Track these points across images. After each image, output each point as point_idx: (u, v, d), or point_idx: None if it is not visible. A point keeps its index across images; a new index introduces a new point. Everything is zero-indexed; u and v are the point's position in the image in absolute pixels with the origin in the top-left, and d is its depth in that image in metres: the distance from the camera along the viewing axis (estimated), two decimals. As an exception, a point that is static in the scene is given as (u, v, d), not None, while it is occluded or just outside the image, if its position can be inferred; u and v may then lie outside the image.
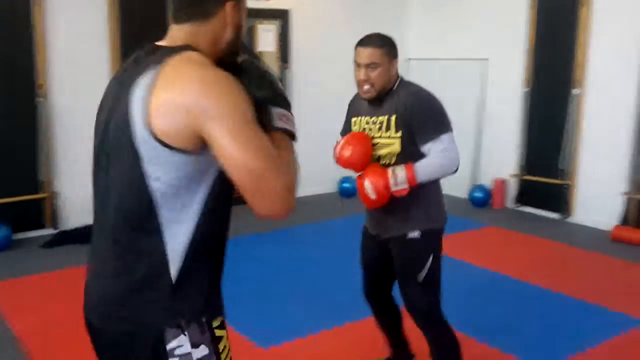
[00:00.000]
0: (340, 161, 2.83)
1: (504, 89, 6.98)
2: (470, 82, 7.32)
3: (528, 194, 6.78)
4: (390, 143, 2.80)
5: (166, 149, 1.43)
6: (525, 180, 6.76)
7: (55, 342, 3.73)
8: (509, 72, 6.87)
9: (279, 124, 1.57)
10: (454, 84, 7.49)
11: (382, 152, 2.81)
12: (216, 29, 1.58)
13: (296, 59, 7.26)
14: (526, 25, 6.63)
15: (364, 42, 2.84)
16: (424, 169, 2.70)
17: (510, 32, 6.81)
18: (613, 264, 5.12)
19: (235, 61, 1.66)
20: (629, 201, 5.83)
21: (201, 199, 1.51)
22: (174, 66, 1.45)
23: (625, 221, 5.84)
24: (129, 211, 1.53)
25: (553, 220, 6.46)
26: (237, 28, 1.62)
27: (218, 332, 1.60)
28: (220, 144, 1.40)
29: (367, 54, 2.80)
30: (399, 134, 2.76)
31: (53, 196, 5.85)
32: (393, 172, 2.70)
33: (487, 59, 7.15)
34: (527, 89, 6.67)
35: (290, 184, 1.47)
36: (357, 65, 2.82)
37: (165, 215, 1.49)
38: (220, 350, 1.60)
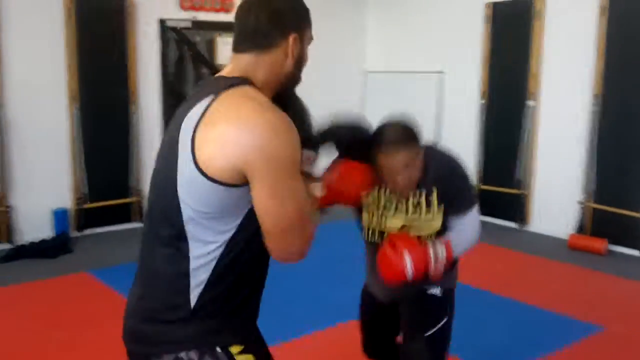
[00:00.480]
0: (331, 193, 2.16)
1: (460, 101, 7.06)
2: (427, 95, 7.39)
3: (485, 203, 6.77)
4: (430, 221, 2.44)
5: (203, 178, 1.42)
6: (483, 190, 6.82)
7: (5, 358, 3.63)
8: (465, 84, 6.96)
9: (302, 166, 1.55)
10: (411, 96, 7.56)
11: (422, 234, 2.44)
12: (277, 60, 1.57)
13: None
14: (481, 38, 6.73)
15: (389, 147, 2.32)
16: (458, 246, 2.43)
17: (466, 45, 6.91)
18: (571, 272, 5.19)
19: (291, 95, 1.67)
20: (584, 209, 5.93)
21: (231, 228, 1.48)
22: (226, 100, 1.44)
23: (581, 229, 5.94)
24: (161, 230, 1.54)
25: (511, 229, 6.53)
26: (299, 60, 1.61)
27: (239, 358, 1.56)
28: (258, 191, 1.41)
29: (400, 160, 2.31)
30: (441, 209, 2.43)
31: (8, 210, 5.74)
32: (434, 249, 2.31)
33: (443, 72, 7.23)
34: (483, 101, 6.75)
35: (309, 239, 1.51)
36: (387, 171, 2.33)
37: (192, 242, 1.49)
38: None
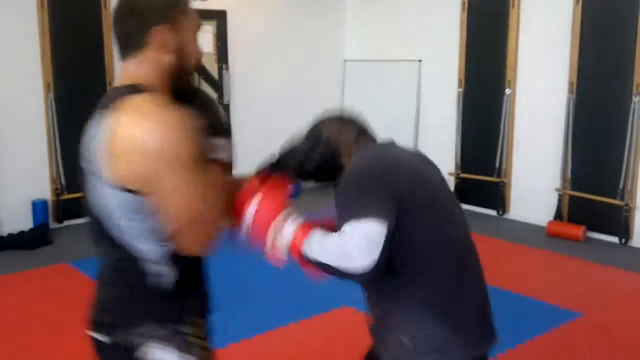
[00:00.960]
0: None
1: (438, 90, 7.10)
2: (406, 83, 7.42)
3: (465, 191, 6.90)
4: None
5: (111, 187, 1.50)
6: (462, 178, 6.88)
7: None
8: (443, 73, 6.99)
9: (213, 154, 1.58)
10: (390, 85, 7.60)
11: None
12: (154, 57, 1.57)
13: (235, 59, 7.20)
14: (458, 26, 6.75)
15: None
16: (316, 250, 1.73)
17: (443, 34, 6.93)
18: (549, 258, 5.27)
19: (188, 86, 1.65)
20: (562, 197, 6.01)
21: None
22: (116, 117, 1.48)
23: (559, 216, 6.02)
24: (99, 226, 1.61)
25: (490, 216, 6.60)
26: (179, 50, 1.58)
27: (189, 338, 1.64)
28: (161, 190, 1.46)
29: None
30: None
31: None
32: (280, 225, 1.77)
33: (420, 60, 7.25)
34: (460, 89, 6.79)
35: (210, 233, 1.55)
36: None
37: (127, 233, 1.55)
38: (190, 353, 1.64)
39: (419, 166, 1.96)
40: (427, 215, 1.80)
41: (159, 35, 1.55)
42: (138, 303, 1.62)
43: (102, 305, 1.70)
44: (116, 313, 1.65)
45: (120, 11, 1.59)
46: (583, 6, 5.70)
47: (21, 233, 5.69)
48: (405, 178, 1.79)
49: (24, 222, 5.88)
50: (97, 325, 1.68)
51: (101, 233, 1.61)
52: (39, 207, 5.93)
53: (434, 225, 1.82)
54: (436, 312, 1.80)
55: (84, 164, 1.58)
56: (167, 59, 1.57)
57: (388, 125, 7.59)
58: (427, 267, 1.80)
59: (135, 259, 1.57)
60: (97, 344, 1.69)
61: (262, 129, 7.30)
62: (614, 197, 5.60)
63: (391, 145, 2.07)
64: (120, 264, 1.63)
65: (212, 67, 7.12)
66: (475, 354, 1.92)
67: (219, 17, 7.04)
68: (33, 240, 5.57)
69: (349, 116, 2.17)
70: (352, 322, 4.00)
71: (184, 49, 1.59)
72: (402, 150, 2.05)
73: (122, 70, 1.61)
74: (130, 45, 1.57)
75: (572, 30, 5.79)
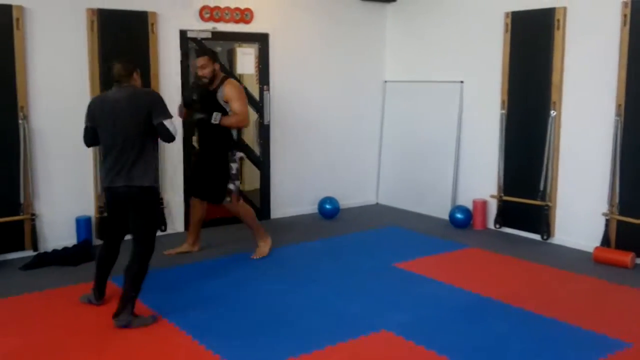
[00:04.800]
0: None
1: (480, 111, 7.02)
2: (447, 104, 7.36)
3: (508, 215, 6.79)
4: None
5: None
6: (505, 201, 6.77)
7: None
8: (485, 94, 6.92)
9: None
10: (431, 106, 7.56)
11: None
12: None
13: (276, 81, 7.25)
14: (501, 47, 6.68)
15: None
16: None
17: (486, 55, 6.87)
18: (596, 286, 5.11)
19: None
20: (609, 222, 5.85)
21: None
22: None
23: (606, 242, 5.85)
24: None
25: (534, 241, 6.46)
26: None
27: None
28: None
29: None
30: None
31: (33, 218, 5.82)
32: None
33: (462, 82, 7.20)
34: (503, 111, 6.70)
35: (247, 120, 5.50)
36: None
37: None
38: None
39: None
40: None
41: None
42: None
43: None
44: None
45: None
46: (631, 27, 5.58)
47: (64, 249, 5.78)
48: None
49: (68, 238, 5.97)
50: None
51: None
52: (82, 223, 6.03)
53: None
54: None
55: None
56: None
57: (429, 146, 7.57)
58: None
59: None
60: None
61: (301, 150, 7.32)
62: (664, 223, 5.44)
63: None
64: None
65: (253, 88, 7.18)
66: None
67: (261, 40, 7.11)
68: (76, 256, 5.65)
69: None
70: (391, 346, 3.94)
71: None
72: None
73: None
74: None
75: (620, 51, 5.67)
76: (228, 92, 5.41)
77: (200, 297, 4.81)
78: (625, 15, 5.61)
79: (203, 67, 5.38)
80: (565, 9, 6.11)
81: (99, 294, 4.62)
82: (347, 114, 7.86)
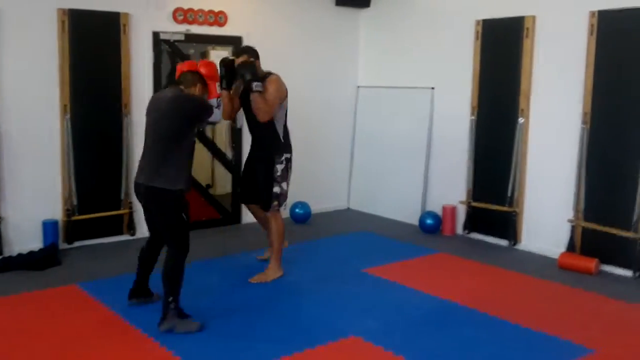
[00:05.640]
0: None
1: (450, 117, 7.09)
2: (418, 110, 7.42)
3: (477, 220, 6.86)
4: None
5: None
6: (474, 207, 6.84)
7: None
8: (456, 101, 6.99)
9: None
10: (402, 112, 7.62)
11: None
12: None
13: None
14: (471, 55, 6.76)
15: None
16: None
17: (457, 62, 6.95)
18: (561, 292, 5.19)
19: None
20: (575, 228, 5.95)
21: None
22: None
23: (571, 248, 5.95)
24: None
25: (502, 247, 6.54)
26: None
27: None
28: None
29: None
30: None
31: (-2, 221, 5.76)
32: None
33: (433, 88, 7.26)
34: (473, 117, 6.78)
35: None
36: None
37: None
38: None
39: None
40: None
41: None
42: None
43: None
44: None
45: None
46: (597, 37, 5.68)
47: (30, 253, 5.70)
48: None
49: (34, 242, 5.90)
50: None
51: None
52: (49, 227, 5.95)
53: None
54: None
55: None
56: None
57: (400, 152, 7.62)
58: None
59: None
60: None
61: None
62: (628, 230, 5.53)
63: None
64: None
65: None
66: None
67: (235, 43, 7.10)
68: (42, 260, 5.56)
69: None
70: (359, 352, 3.97)
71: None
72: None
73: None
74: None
75: (587, 60, 5.78)
76: (269, 86, 5.11)
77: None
78: (592, 25, 5.71)
79: None
80: (534, 17, 6.21)
81: (133, 293, 4.62)
82: (320, 119, 7.88)
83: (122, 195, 6.40)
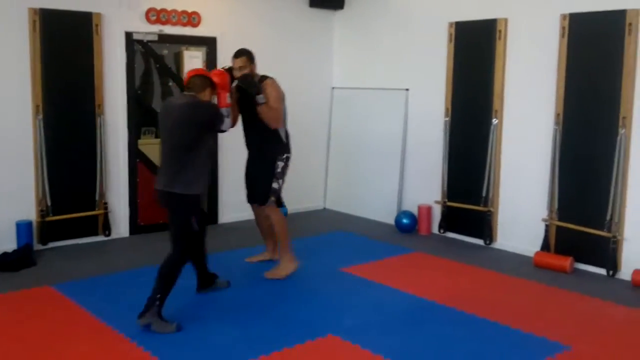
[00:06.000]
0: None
1: (425, 118, 7.14)
2: (393, 111, 7.46)
3: (452, 220, 6.92)
4: None
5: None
6: (449, 207, 6.90)
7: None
8: (430, 102, 7.04)
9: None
10: (376, 113, 7.66)
11: None
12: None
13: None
14: (445, 56, 6.82)
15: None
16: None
17: (430, 63, 7.00)
18: (537, 290, 5.25)
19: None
20: (549, 227, 6.03)
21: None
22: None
23: (546, 247, 6.03)
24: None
25: (477, 246, 6.60)
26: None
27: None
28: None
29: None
30: None
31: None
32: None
33: (407, 89, 7.31)
34: (447, 118, 6.83)
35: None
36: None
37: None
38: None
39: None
40: None
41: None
42: None
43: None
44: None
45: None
46: (569, 38, 5.77)
47: (4, 254, 5.61)
48: None
49: (7, 243, 5.81)
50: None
51: None
52: (23, 228, 5.87)
53: None
54: None
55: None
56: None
57: (375, 152, 7.66)
58: None
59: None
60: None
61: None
62: (601, 229, 5.62)
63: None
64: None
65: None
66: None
67: (209, 44, 7.07)
68: (16, 261, 5.49)
69: None
70: (337, 351, 3.97)
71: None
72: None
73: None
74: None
75: (558, 62, 5.86)
76: (268, 90, 5.21)
77: (143, 301, 4.72)
78: (563, 27, 5.80)
79: (242, 68, 5.21)
80: (506, 20, 6.28)
81: (200, 285, 4.93)
82: (295, 120, 7.81)
83: (97, 196, 6.34)
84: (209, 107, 4.45)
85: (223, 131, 4.65)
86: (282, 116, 5.31)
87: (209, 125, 4.42)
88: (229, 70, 5.23)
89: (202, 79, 4.46)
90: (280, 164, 5.36)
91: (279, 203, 5.48)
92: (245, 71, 5.22)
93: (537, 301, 4.99)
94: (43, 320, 4.35)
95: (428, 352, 4.00)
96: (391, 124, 7.50)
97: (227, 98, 4.66)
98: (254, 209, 5.69)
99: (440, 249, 6.42)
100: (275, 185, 5.33)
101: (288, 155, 5.44)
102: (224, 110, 4.58)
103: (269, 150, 5.36)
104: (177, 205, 4.35)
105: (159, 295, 4.19)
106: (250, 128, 5.41)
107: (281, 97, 5.31)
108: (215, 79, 4.55)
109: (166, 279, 4.25)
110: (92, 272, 5.40)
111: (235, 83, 5.20)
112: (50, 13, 5.91)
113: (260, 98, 5.09)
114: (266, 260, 5.80)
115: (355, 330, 4.25)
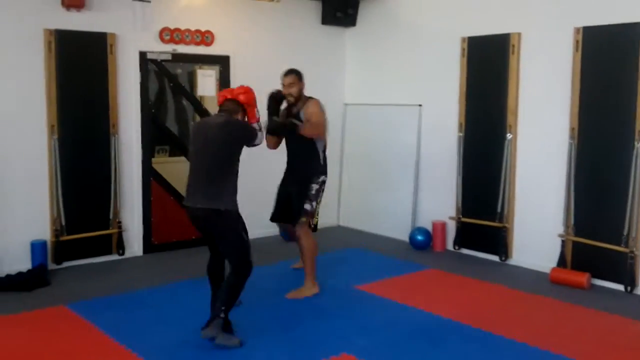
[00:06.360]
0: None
1: (438, 134, 7.12)
2: (406, 127, 7.44)
3: (467, 236, 6.87)
4: None
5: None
6: (464, 223, 6.85)
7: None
8: (443, 117, 7.02)
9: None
10: (390, 129, 7.64)
11: None
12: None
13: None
14: (458, 71, 6.80)
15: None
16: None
17: (443, 79, 6.99)
18: (553, 306, 5.19)
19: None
20: (565, 243, 5.96)
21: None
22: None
23: (562, 263, 5.96)
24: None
25: (493, 262, 6.54)
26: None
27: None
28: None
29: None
30: None
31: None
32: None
33: (420, 105, 7.30)
34: (460, 134, 6.81)
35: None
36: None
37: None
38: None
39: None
40: None
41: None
42: None
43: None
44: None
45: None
46: (583, 53, 5.74)
47: (19, 274, 5.64)
48: None
49: (23, 263, 5.83)
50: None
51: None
52: (37, 248, 5.89)
53: None
54: None
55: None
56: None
57: (388, 168, 7.63)
58: None
59: None
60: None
61: (261, 172, 7.29)
62: (618, 244, 5.55)
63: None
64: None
65: (214, 110, 7.14)
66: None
67: (222, 62, 7.11)
68: (30, 281, 5.50)
69: None
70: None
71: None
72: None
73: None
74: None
75: (572, 76, 5.83)
76: (310, 108, 5.34)
77: (158, 320, 4.74)
78: (577, 41, 5.77)
79: (291, 86, 5.37)
80: (519, 34, 6.27)
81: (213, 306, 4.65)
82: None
83: (111, 215, 6.36)
84: (244, 125, 4.55)
85: (256, 145, 4.65)
86: (323, 126, 5.37)
87: (244, 140, 4.50)
88: (279, 92, 5.41)
89: (234, 103, 4.54)
90: (315, 186, 5.35)
91: (313, 228, 5.46)
92: (294, 88, 5.38)
93: (554, 318, 4.92)
94: (57, 340, 4.35)
95: (444, 370, 3.95)
96: (404, 140, 7.48)
97: (256, 113, 4.66)
98: (281, 226, 5.86)
99: (455, 266, 6.36)
100: (307, 206, 5.31)
101: (324, 178, 5.43)
102: (255, 125, 4.62)
103: (305, 169, 5.41)
104: (219, 223, 4.33)
105: (223, 308, 4.20)
106: (290, 145, 5.51)
107: (322, 112, 5.42)
108: (241, 98, 4.56)
109: (231, 290, 4.28)
110: (106, 291, 5.41)
111: (284, 104, 5.44)
112: (65, 34, 5.97)
113: (299, 127, 5.21)
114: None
115: (369, 349, 4.22)
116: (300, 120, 5.28)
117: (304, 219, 5.31)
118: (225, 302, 4.22)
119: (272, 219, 5.67)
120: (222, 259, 4.56)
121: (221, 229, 4.36)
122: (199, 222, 4.42)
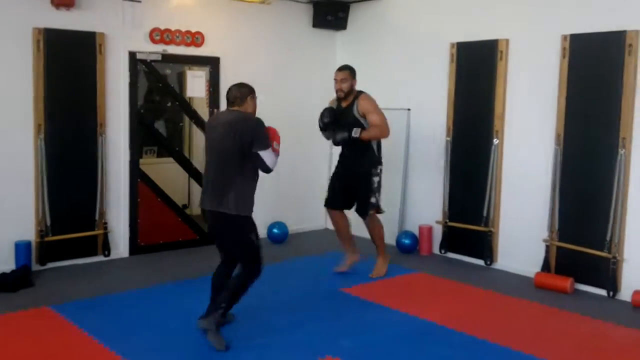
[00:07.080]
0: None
1: (426, 138, 7.14)
2: (394, 131, 7.40)
3: (453, 240, 6.90)
4: None
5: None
6: (450, 227, 6.88)
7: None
8: (431, 122, 7.05)
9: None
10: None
11: None
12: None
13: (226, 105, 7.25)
14: (447, 77, 6.84)
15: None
16: None
17: (432, 84, 7.02)
18: (537, 311, 5.22)
19: None
20: (550, 248, 6.00)
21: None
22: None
23: (546, 268, 6.00)
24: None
25: (478, 266, 6.57)
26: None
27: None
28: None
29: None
30: None
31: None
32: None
33: (409, 109, 7.32)
34: (448, 138, 6.84)
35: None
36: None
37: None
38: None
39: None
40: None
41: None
42: None
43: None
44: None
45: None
46: (570, 60, 5.79)
47: (2, 275, 5.59)
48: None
49: (5, 263, 5.80)
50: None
51: None
52: (21, 248, 5.86)
53: None
54: None
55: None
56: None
57: (377, 172, 7.63)
58: None
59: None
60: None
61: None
62: (602, 250, 5.60)
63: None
64: None
65: (203, 112, 7.16)
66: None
67: (212, 64, 7.11)
68: (14, 282, 5.46)
69: None
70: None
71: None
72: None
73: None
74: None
75: (559, 82, 5.87)
76: (364, 105, 5.59)
77: (142, 322, 4.73)
78: (564, 48, 5.82)
79: (343, 81, 5.65)
80: (507, 40, 6.31)
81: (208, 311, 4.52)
82: (296, 139, 7.88)
83: (97, 216, 6.33)
84: (254, 121, 4.28)
85: (266, 170, 4.28)
86: (386, 124, 5.64)
87: (256, 140, 4.18)
88: (332, 110, 5.71)
89: (239, 88, 4.37)
90: (376, 178, 5.77)
91: (379, 211, 5.91)
92: (346, 84, 5.64)
93: (538, 322, 4.96)
94: (40, 342, 4.33)
95: (427, 374, 3.96)
96: (393, 144, 7.47)
97: (277, 147, 4.33)
98: (333, 215, 6.01)
99: (441, 270, 6.39)
100: (373, 200, 5.76)
101: (381, 167, 5.84)
102: (273, 147, 4.29)
103: (362, 163, 5.71)
104: (231, 228, 4.28)
105: (223, 305, 4.20)
106: (342, 142, 5.74)
107: (378, 107, 5.65)
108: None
109: (235, 293, 4.26)
110: (91, 292, 5.39)
111: (335, 104, 5.80)
112: (54, 33, 5.95)
113: (355, 132, 5.49)
114: (353, 263, 6.11)
115: (354, 352, 4.23)
116: (352, 115, 5.56)
117: (372, 212, 5.75)
118: (227, 300, 4.20)
119: (329, 205, 5.99)
120: (230, 269, 4.49)
121: (231, 233, 4.30)
122: (210, 224, 4.43)
